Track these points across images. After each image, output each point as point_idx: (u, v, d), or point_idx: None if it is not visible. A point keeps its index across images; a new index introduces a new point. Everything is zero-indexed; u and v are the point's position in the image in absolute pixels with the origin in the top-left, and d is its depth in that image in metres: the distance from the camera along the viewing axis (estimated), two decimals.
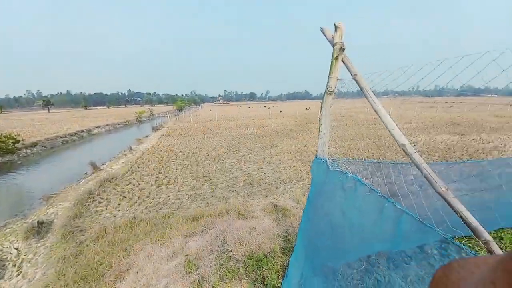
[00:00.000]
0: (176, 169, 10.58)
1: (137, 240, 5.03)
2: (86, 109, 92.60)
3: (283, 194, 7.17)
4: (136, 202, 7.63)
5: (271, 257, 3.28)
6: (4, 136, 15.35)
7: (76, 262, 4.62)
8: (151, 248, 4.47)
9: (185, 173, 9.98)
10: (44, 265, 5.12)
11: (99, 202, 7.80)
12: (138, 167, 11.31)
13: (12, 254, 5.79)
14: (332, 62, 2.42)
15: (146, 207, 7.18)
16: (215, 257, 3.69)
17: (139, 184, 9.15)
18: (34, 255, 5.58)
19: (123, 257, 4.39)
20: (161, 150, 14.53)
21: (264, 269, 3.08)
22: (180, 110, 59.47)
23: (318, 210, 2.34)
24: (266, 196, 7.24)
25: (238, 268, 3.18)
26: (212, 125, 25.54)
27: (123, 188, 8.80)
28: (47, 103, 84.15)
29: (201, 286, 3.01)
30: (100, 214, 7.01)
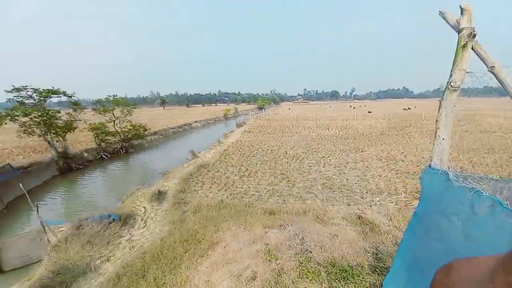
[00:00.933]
0: (256, 164, 11.38)
1: (224, 220, 5.79)
2: (188, 107, 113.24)
3: (370, 206, 6.43)
4: (223, 188, 8.76)
5: (358, 271, 3.05)
6: (138, 126, 20.91)
7: (181, 227, 5.80)
8: (236, 230, 5.05)
9: (264, 169, 10.60)
10: (161, 223, 6.72)
11: (196, 183, 9.44)
12: (225, 158, 12.89)
13: (141, 211, 7.88)
14: (457, 51, 1.99)
15: (230, 194, 8.13)
16: (294, 254, 3.77)
17: (225, 173, 10.43)
18: (155, 215, 7.40)
19: (214, 232, 5.17)
20: (243, 145, 15.97)
21: (349, 281, 2.90)
22: (260, 108, 63.17)
23: (431, 230, 1.98)
24: (349, 205, 6.71)
25: (319, 272, 3.13)
26: (290, 124, 25.82)
27: (213, 174, 10.28)
28: (163, 101, 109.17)
29: (281, 277, 3.17)
30: (197, 193, 8.49)
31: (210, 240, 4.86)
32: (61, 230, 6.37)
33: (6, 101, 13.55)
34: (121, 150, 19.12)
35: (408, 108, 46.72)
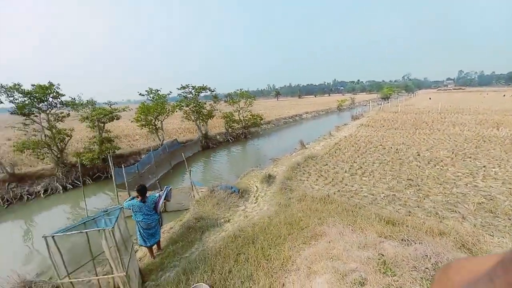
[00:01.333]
0: (373, 163, 9.84)
1: (329, 215, 5.48)
2: (299, 98, 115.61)
3: None
4: (330, 182, 8.29)
5: None
6: (256, 115, 23.76)
7: (286, 211, 6.09)
8: (342, 229, 4.64)
9: (383, 170, 8.98)
10: (268, 203, 7.40)
11: (303, 173, 9.52)
12: (335, 152, 12.09)
13: (254, 189, 9.00)
14: None
15: (338, 190, 7.55)
16: (421, 278, 2.94)
17: (334, 167, 9.79)
18: (264, 194, 8.24)
19: (318, 224, 5.02)
20: (359, 140, 14.24)
21: None
22: (385, 98, 53.65)
23: None
24: None
25: None
26: (430, 119, 20.15)
27: (321, 168, 9.94)
28: (277, 93, 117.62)
29: None
30: (302, 183, 8.57)
31: (313, 230, 4.77)
32: (201, 191, 8.50)
33: (177, 95, 19.64)
34: (241, 136, 22.69)
35: None
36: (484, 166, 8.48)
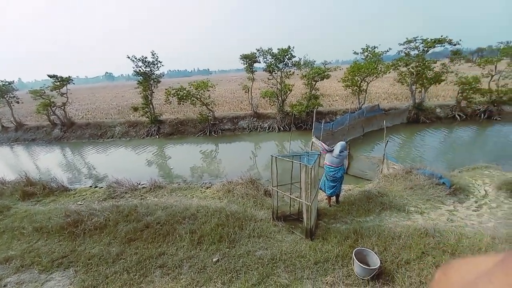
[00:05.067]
0: None
1: None
2: None
3: None
4: None
5: None
6: None
7: None
8: None
9: None
10: (499, 220, 4.86)
11: None
12: None
13: (479, 192, 6.21)
14: None
15: None
16: None
17: None
18: (496, 206, 5.46)
19: None
20: None
21: None
22: None
23: None
24: None
25: None
26: None
27: None
28: None
29: None
30: None
31: None
32: (394, 167, 7.45)
33: (396, 53, 16.46)
34: (482, 114, 15.31)
35: None
36: None
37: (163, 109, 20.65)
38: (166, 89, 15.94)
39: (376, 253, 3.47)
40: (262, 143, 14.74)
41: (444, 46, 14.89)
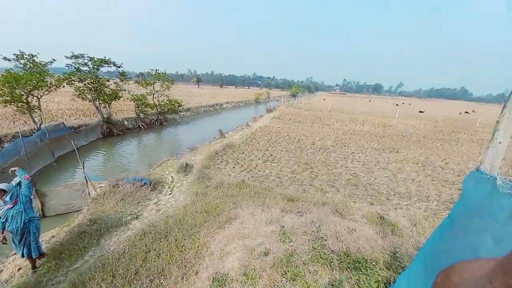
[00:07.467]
0: (281, 151, 11.31)
1: (243, 199, 5.97)
2: (221, 87, 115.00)
3: (395, 209, 6.04)
4: (245, 169, 8.94)
5: (372, 265, 2.96)
6: (174, 101, 21.93)
7: (203, 199, 6.14)
8: (253, 209, 5.18)
9: (288, 156, 10.50)
10: (185, 193, 7.19)
11: (221, 162, 9.77)
12: (251, 141, 13.03)
13: (169, 179, 8.48)
14: None
15: (252, 176, 8.28)
16: (309, 239, 3.77)
17: (249, 155, 10.59)
18: (180, 184, 7.92)
19: (232, 208, 5.38)
20: (271, 131, 15.89)
21: (362, 272, 2.84)
22: (293, 96, 61.52)
23: (461, 236, 1.79)
24: (372, 204, 6.38)
25: (332, 259, 3.11)
26: (322, 115, 24.81)
27: (238, 156, 10.51)
28: (198, 80, 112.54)
29: (293, 257, 3.21)
30: (220, 170, 8.82)
31: (228, 214, 5.07)
32: (100, 186, 7.20)
33: (65, 66, 15.11)
34: (156, 122, 20.47)
35: (466, 112, 40.86)
36: (352, 153, 11.48)
37: None
38: None
39: None
40: None
41: (110, 66, 16.81)
